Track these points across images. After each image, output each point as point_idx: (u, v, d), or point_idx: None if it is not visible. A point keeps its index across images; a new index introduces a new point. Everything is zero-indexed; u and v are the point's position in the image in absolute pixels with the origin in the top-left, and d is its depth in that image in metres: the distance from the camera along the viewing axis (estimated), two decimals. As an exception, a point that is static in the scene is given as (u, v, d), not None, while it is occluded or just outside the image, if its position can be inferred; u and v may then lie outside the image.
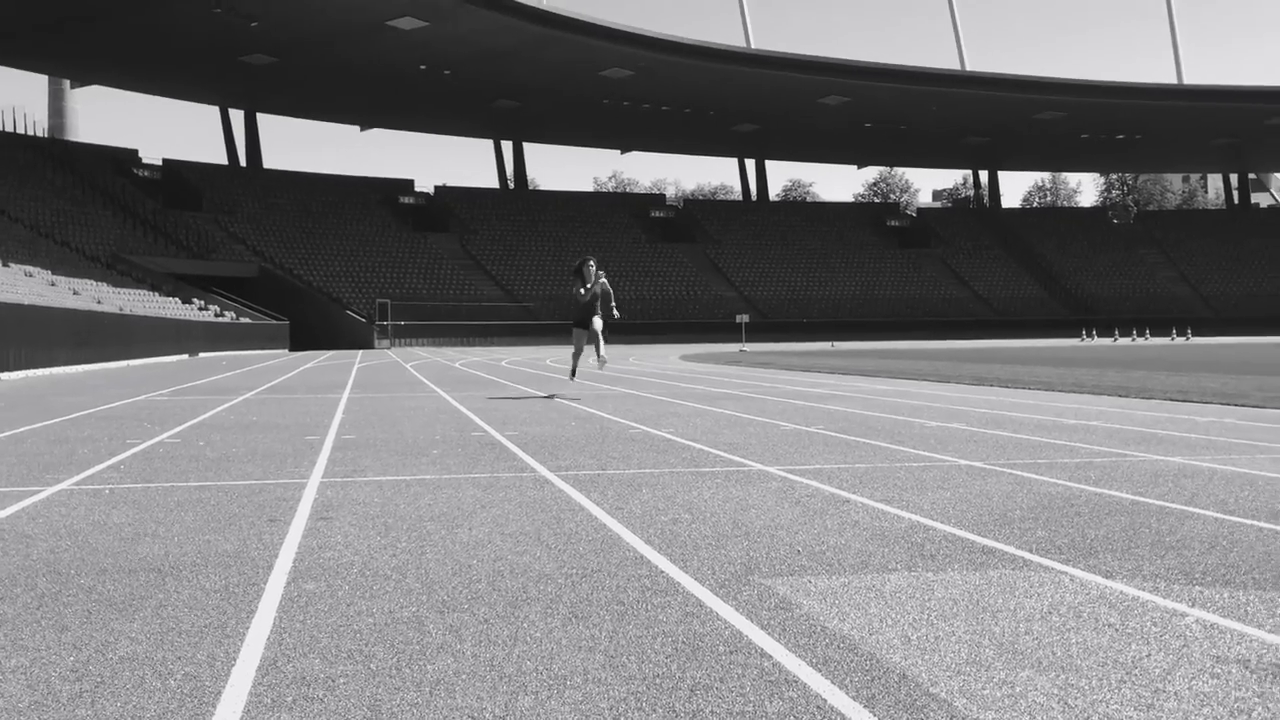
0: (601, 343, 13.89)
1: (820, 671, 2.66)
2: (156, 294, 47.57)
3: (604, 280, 13.92)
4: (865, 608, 3.28)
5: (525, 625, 3.11)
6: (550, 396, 13.96)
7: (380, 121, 76.67)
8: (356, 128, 77.68)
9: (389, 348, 57.74)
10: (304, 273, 64.16)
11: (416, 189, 78.25)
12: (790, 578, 3.69)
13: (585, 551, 4.16)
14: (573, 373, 15.25)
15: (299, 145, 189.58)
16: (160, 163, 68.45)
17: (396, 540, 4.43)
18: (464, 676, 2.66)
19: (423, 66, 60.55)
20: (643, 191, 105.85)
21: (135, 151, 67.82)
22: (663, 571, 3.80)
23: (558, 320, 67.33)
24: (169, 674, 2.70)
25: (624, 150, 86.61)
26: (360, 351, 49.44)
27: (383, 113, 73.42)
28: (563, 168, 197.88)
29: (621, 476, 6.31)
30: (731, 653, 2.82)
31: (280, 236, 66.62)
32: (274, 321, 55.11)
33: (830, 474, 6.36)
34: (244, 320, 51.90)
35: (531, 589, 3.55)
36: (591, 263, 13.91)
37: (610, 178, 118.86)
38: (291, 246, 66.18)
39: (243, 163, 72.51)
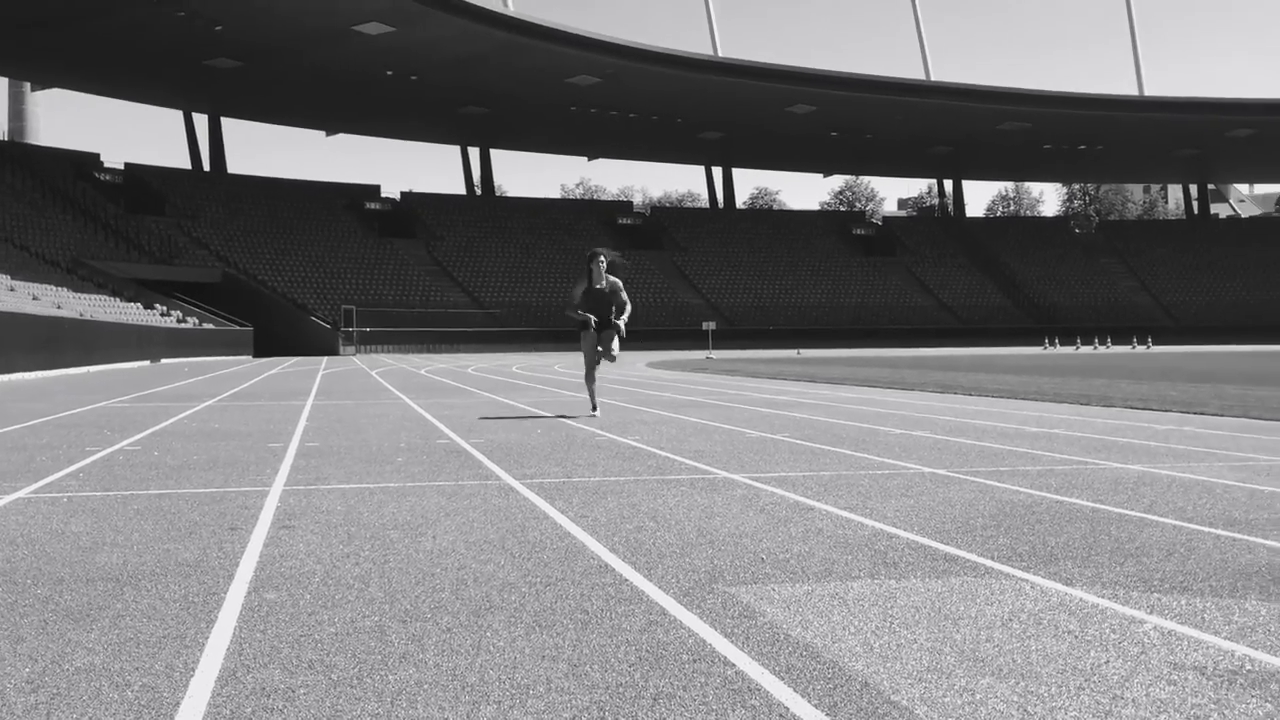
0: (612, 358, 11.69)
1: (783, 680, 2.67)
2: (118, 299, 47.08)
3: (616, 280, 11.59)
4: (828, 615, 3.29)
5: (488, 634, 3.10)
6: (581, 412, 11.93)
7: (347, 127, 76.31)
8: (323, 133, 77.26)
9: (354, 354, 57.43)
10: (268, 278, 63.72)
11: (383, 195, 77.93)
12: (754, 585, 3.70)
13: (550, 560, 4.15)
14: (593, 403, 11.87)
15: (264, 150, 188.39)
16: (122, 167, 67.81)
17: (359, 549, 4.40)
18: (426, 686, 2.64)
19: (389, 72, 60.36)
20: (610, 198, 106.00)
21: (97, 155, 67.15)
22: (627, 580, 3.80)
23: (524, 327, 67.26)
24: (126, 685, 2.67)
25: (591, 157, 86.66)
26: (325, 358, 49.14)
27: (349, 118, 73.08)
28: (530, 174, 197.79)
29: (587, 484, 6.30)
30: (695, 661, 2.82)
31: (245, 242, 66.14)
32: (238, 328, 54.68)
33: (795, 481, 6.38)
34: (207, 326, 51.46)
35: (495, 598, 3.54)
36: (603, 258, 11.55)
37: (578, 184, 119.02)
38: (256, 252, 65.72)
39: (207, 167, 71.96)
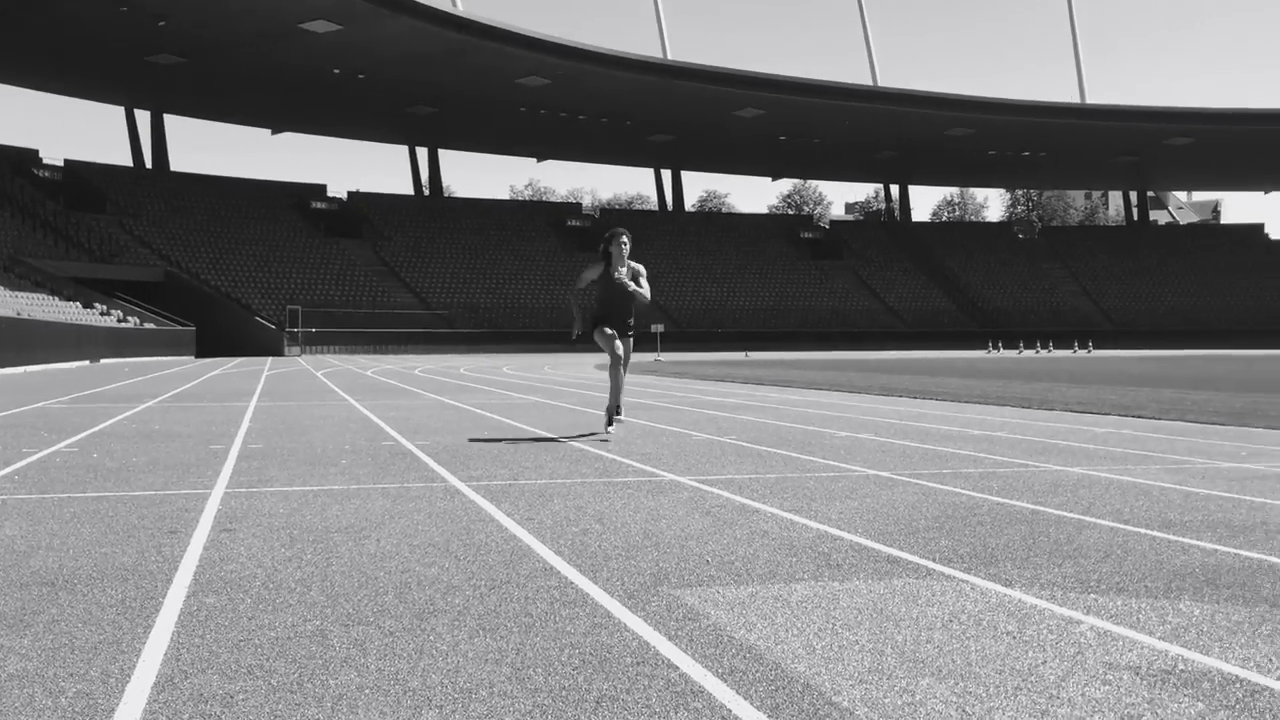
0: (624, 368, 9.60)
1: (726, 682, 2.68)
2: (57, 298, 46.23)
3: (639, 267, 9.54)
4: (772, 617, 3.31)
5: (431, 638, 3.08)
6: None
7: (292, 125, 75.53)
8: (268, 131, 76.40)
9: (300, 355, 56.85)
10: (212, 278, 62.90)
11: (329, 194, 77.21)
12: (699, 588, 3.71)
13: (495, 563, 4.14)
14: (609, 417, 9.59)
15: (208, 148, 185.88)
16: (62, 163, 66.53)
17: (302, 552, 4.36)
18: (367, 691, 2.62)
19: (337, 70, 59.84)
20: (559, 200, 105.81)
21: (35, 152, 65.84)
22: (572, 583, 3.79)
23: (473, 329, 66.96)
24: (60, 691, 2.62)
25: (541, 159, 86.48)
26: (270, 359, 48.58)
27: (295, 116, 72.36)
28: (479, 175, 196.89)
29: (533, 487, 6.28)
30: (639, 664, 2.83)
31: (187, 240, 65.24)
32: (180, 327, 53.92)
33: (741, 484, 6.41)
34: (148, 326, 50.68)
35: (439, 601, 3.52)
36: (626, 239, 9.47)
37: (527, 186, 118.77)
38: (199, 251, 64.85)
39: (149, 164, 70.90)
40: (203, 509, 5.47)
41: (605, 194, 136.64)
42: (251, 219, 70.56)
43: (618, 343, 9.44)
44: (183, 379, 23.58)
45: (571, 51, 59.29)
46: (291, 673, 2.77)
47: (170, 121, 73.06)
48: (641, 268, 9.52)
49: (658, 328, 52.59)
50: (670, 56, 64.68)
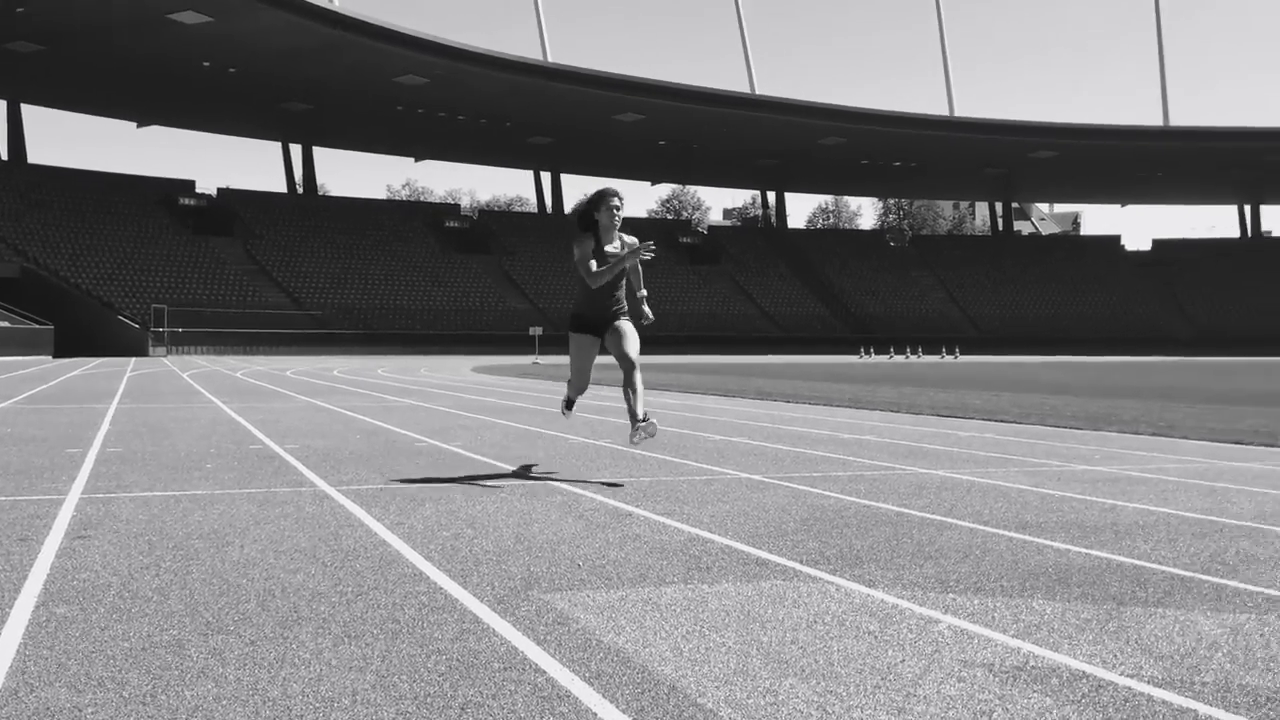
0: (636, 368, 6.92)
1: (593, 686, 2.69)
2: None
3: (634, 241, 6.96)
4: (641, 620, 3.33)
5: (294, 646, 3.01)
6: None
7: (159, 119, 73.21)
8: (133, 124, 73.88)
9: (166, 356, 55.11)
10: (71, 275, 60.55)
11: (198, 190, 75.04)
12: (569, 592, 3.71)
13: (362, 569, 4.07)
14: (567, 405, 7.80)
15: (70, 140, 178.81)
16: (-91, 153, 63.33)
17: (160, 559, 4.22)
18: (224, 702, 2.56)
19: (207, 63, 58.22)
20: (437, 201, 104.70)
21: (-121, 139, 62.53)
22: (441, 588, 3.75)
23: (347, 330, 65.75)
24: (-107, 709, 2.49)
25: (419, 158, 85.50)
26: (133, 359, 46.96)
27: (162, 110, 70.14)
28: (355, 174, 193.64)
29: (405, 491, 6.20)
30: (506, 669, 2.81)
31: (45, 236, 62.67)
32: (37, 326, 51.77)
33: (615, 488, 6.43)
34: (2, 325, 48.53)
35: (303, 609, 3.45)
36: (617, 200, 6.93)
37: (404, 186, 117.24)
38: (58, 247, 62.36)
39: (4, 156, 67.90)
40: (56, 515, 5.26)
41: (484, 195, 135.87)
42: (115, 215, 68.12)
43: (601, 344, 7.05)
44: (39, 380, 22.63)
45: (450, 51, 58.75)
46: (145, 684, 2.68)
47: (28, 112, 70.16)
48: (636, 241, 6.95)
49: (536, 330, 52.51)
50: (551, 59, 64.59)
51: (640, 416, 6.88)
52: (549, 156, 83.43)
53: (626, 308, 7.11)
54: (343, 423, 11.36)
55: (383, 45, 55.98)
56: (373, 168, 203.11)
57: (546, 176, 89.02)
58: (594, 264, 6.83)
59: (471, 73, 60.72)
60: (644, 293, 7.36)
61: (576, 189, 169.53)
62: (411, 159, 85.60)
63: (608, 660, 2.90)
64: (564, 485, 6.51)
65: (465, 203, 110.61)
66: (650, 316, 7.12)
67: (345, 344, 63.49)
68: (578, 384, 7.38)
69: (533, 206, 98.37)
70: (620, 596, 3.65)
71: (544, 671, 2.80)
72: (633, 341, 6.95)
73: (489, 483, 6.60)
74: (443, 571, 4.03)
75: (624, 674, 2.79)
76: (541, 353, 52.86)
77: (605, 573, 4.04)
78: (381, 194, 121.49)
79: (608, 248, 6.93)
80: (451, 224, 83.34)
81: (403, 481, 6.62)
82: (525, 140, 76.70)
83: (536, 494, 6.14)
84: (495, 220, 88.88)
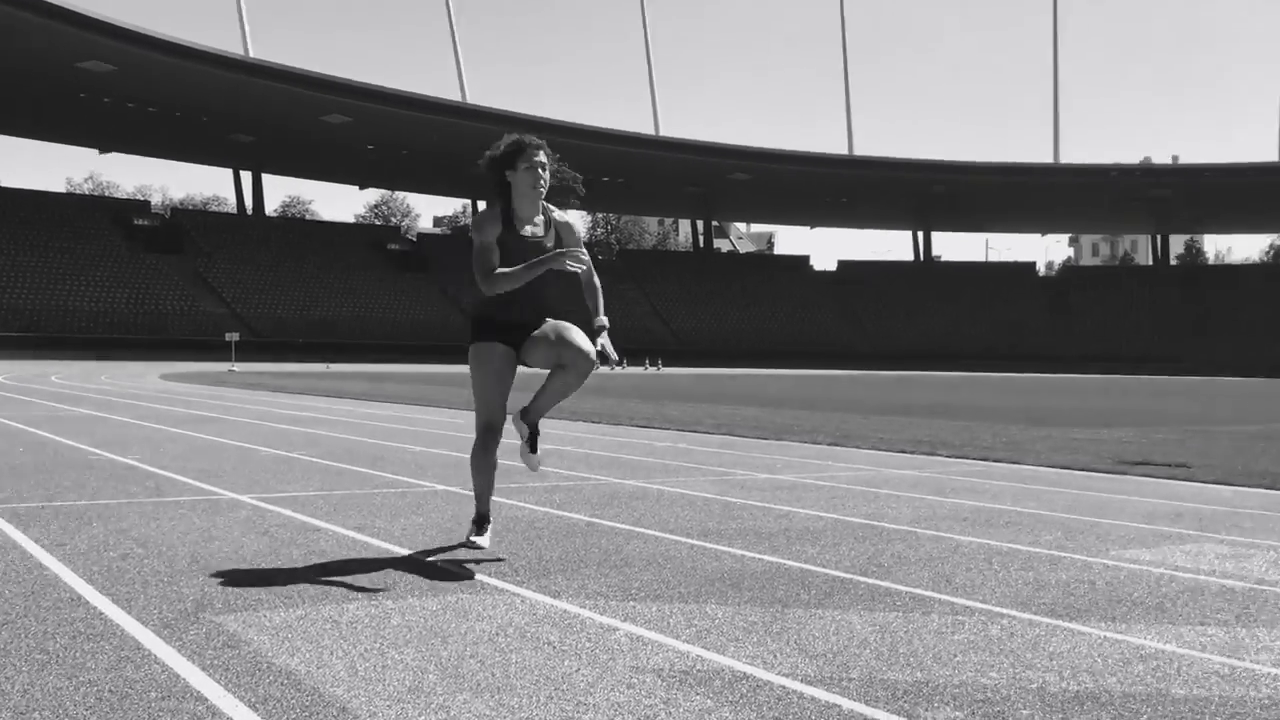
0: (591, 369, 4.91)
1: (256, 711, 2.59)
2: None
3: (570, 223, 5.05)
4: (318, 640, 3.24)
5: (-78, 685, 2.75)
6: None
7: None
8: None
9: None
10: None
11: None
12: (244, 613, 3.57)
13: (13, 595, 3.76)
14: (478, 520, 4.96)
15: None
16: None
17: None
18: None
19: None
20: (125, 197, 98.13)
21: None
22: (102, 614, 3.52)
23: (16, 332, 60.46)
24: None
25: (104, 150, 79.75)
26: None
27: None
28: (31, 164, 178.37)
29: (71, 508, 5.78)
30: (164, 698, 2.67)
31: None
32: None
33: (306, 501, 6.23)
34: None
35: (-63, 642, 3.15)
36: (541, 156, 4.85)
37: (87, 179, 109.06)
38: None
39: None
40: None
41: (178, 193, 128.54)
42: None
43: (574, 338, 4.88)
44: None
45: (138, 38, 55.21)
46: None
47: None
48: (574, 224, 5.07)
49: (233, 336, 50.15)
50: (253, 54, 61.92)
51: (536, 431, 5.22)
52: (251, 155, 79.83)
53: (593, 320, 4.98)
54: (5, 435, 10.44)
55: (61, 26, 51.91)
56: (50, 158, 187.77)
57: (247, 176, 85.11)
58: (496, 258, 4.60)
59: (164, 63, 57.26)
60: (603, 321, 4.96)
61: (280, 189, 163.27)
62: (96, 150, 79.78)
63: (276, 683, 2.81)
64: (251, 500, 6.25)
65: (156, 200, 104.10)
66: (614, 356, 4.88)
67: (13, 348, 58.28)
68: (486, 415, 5.01)
69: (232, 207, 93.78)
70: (299, 615, 3.55)
71: (205, 699, 2.67)
72: (577, 331, 4.88)
73: (167, 498, 6.25)
74: (105, 595, 3.78)
75: (292, 697, 2.71)
76: (239, 360, 50.47)
77: (285, 592, 3.91)
78: (60, 187, 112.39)
79: (526, 229, 4.74)
80: (141, 221, 78.13)
81: (69, 499, 6.16)
82: (225, 136, 73.09)
83: (220, 509, 5.87)
84: (190, 219, 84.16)
